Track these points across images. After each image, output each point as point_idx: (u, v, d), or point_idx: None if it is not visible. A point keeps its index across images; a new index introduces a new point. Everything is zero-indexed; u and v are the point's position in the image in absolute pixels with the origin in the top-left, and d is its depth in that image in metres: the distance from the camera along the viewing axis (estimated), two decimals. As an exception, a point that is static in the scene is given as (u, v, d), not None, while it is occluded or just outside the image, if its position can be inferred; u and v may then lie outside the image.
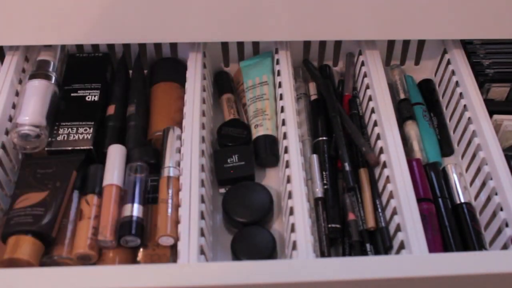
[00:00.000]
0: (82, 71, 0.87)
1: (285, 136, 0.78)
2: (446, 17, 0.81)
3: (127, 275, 0.59)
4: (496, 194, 0.73)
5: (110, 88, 0.86)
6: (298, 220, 0.68)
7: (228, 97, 0.90)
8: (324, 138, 0.83)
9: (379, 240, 0.73)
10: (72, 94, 0.83)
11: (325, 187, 0.77)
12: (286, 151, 0.76)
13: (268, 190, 0.77)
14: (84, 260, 0.69)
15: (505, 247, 0.69)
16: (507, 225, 0.69)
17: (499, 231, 0.71)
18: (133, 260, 0.70)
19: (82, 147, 0.77)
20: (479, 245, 0.72)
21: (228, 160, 0.80)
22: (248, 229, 0.73)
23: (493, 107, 0.83)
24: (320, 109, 0.86)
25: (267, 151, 0.82)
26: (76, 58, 0.89)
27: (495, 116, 0.82)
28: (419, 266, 0.59)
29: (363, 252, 0.73)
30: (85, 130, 0.78)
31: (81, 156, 0.76)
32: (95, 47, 0.91)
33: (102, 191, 0.72)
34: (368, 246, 0.73)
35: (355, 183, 0.77)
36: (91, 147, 0.77)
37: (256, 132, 0.84)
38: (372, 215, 0.75)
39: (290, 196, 0.71)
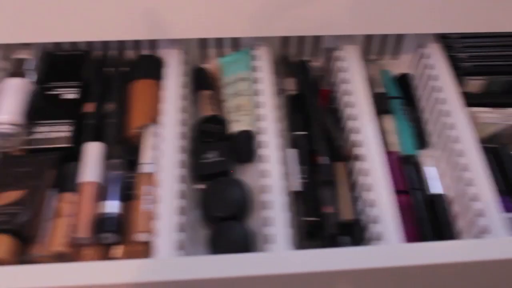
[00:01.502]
0: (60, 69, 0.87)
1: (263, 131, 0.78)
2: (423, 11, 0.82)
3: (104, 271, 0.59)
4: (471, 185, 0.73)
5: (89, 85, 0.86)
6: (276, 214, 0.68)
7: (206, 93, 0.90)
8: (302, 132, 0.83)
9: (356, 232, 0.73)
10: (50, 92, 0.83)
11: (303, 181, 0.78)
12: (264, 146, 0.77)
13: (246, 185, 0.77)
14: (61, 258, 0.68)
15: (479, 236, 0.70)
16: (481, 215, 0.70)
17: (473, 221, 0.72)
18: (110, 257, 0.70)
19: (60, 145, 0.77)
20: (455, 235, 0.73)
21: (206, 156, 0.80)
22: (225, 224, 0.73)
23: (469, 100, 0.83)
24: (298, 104, 0.87)
25: (245, 147, 0.82)
26: (54, 56, 0.89)
27: (471, 109, 0.83)
28: (395, 256, 0.60)
29: (341, 244, 0.73)
30: (63, 128, 0.78)
31: (59, 154, 0.76)
32: (74, 44, 0.91)
33: (80, 189, 0.72)
34: (345, 238, 0.73)
35: (332, 176, 0.78)
36: (69, 145, 0.77)
37: (235, 128, 0.84)
38: (349, 208, 0.75)
39: (268, 190, 0.72)
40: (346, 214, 0.75)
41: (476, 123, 0.82)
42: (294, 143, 0.83)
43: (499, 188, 0.76)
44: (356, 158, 0.78)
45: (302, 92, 0.87)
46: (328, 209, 0.75)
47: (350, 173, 0.79)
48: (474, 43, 0.91)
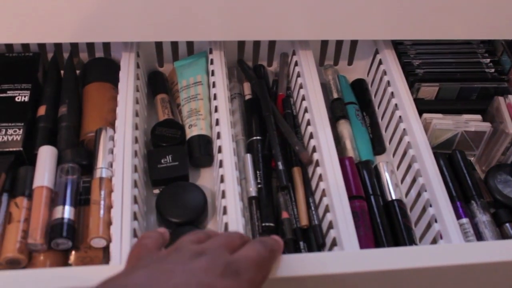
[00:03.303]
0: (12, 71, 0.85)
1: (218, 136, 0.78)
2: (377, 18, 0.83)
3: (58, 278, 0.57)
4: (426, 190, 0.74)
5: (41, 88, 0.85)
6: (231, 220, 0.68)
7: (162, 97, 0.89)
8: (258, 137, 0.83)
9: (312, 238, 0.73)
10: (0, 95, 0.81)
11: (259, 186, 0.78)
12: (220, 150, 0.76)
13: (202, 190, 0.77)
14: (13, 264, 0.67)
15: (434, 241, 0.71)
16: (436, 221, 0.71)
17: (428, 226, 0.73)
18: (64, 263, 0.68)
19: (11, 149, 0.75)
20: (410, 241, 0.74)
21: (162, 161, 0.79)
22: (182, 229, 0.73)
23: (423, 106, 0.85)
24: (254, 108, 0.87)
25: (201, 151, 0.82)
26: (5, 58, 0.87)
27: (425, 115, 0.84)
28: (350, 262, 0.60)
29: (297, 250, 0.73)
30: (15, 131, 0.77)
31: (10, 158, 0.75)
32: (25, 46, 0.89)
33: (32, 194, 0.71)
34: (301, 244, 0.74)
35: (288, 181, 0.78)
36: (21, 149, 0.75)
37: (190, 132, 0.83)
38: (305, 213, 0.75)
39: (223, 195, 0.71)
40: (303, 220, 0.75)
41: (430, 129, 0.83)
42: (250, 148, 0.83)
43: (453, 193, 0.78)
44: (312, 163, 0.78)
45: (260, 96, 0.87)
46: (285, 215, 0.75)
47: (306, 178, 0.79)
48: (426, 50, 0.92)
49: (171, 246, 0.52)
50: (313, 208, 0.76)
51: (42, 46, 0.90)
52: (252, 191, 0.77)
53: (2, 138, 0.76)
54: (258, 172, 0.79)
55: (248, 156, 0.80)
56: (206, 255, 0.49)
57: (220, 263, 0.48)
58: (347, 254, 0.64)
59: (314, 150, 0.78)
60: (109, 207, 0.69)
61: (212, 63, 0.88)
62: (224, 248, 0.51)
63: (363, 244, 0.70)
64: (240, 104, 0.89)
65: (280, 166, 0.78)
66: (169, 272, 0.47)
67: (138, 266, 0.49)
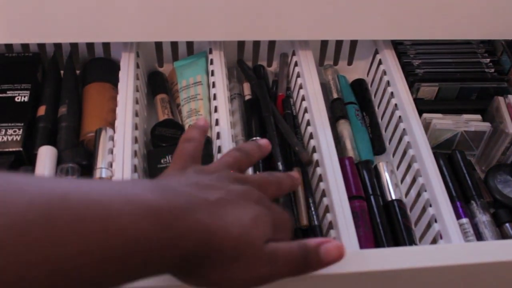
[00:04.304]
0: (12, 71, 0.85)
1: (218, 136, 0.78)
2: (377, 18, 0.83)
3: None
4: (425, 190, 0.74)
5: (41, 88, 0.85)
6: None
7: (162, 97, 0.89)
8: (258, 138, 0.83)
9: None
10: (0, 95, 0.81)
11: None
12: (219, 151, 0.76)
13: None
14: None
15: (434, 241, 0.71)
16: (435, 221, 0.71)
17: (428, 226, 0.73)
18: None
19: (11, 149, 0.75)
20: (410, 241, 0.74)
21: (162, 161, 0.79)
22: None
23: (423, 106, 0.85)
24: (254, 109, 0.87)
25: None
26: (5, 58, 0.87)
27: (425, 115, 0.84)
28: (350, 262, 0.60)
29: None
30: (14, 131, 0.77)
31: (10, 158, 0.75)
32: (25, 46, 0.89)
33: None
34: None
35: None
36: (21, 149, 0.75)
37: (190, 133, 0.83)
38: (305, 213, 0.75)
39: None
40: (303, 220, 0.75)
41: (429, 129, 0.83)
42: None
43: (452, 193, 0.78)
44: (312, 163, 0.78)
45: (260, 97, 0.86)
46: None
47: (306, 178, 0.79)
48: (426, 50, 0.92)
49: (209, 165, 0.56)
50: (313, 209, 0.75)
51: (42, 46, 0.89)
52: (252, 191, 0.77)
53: (2, 138, 0.76)
54: (257, 172, 0.79)
55: (248, 156, 0.80)
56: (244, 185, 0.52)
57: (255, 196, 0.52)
58: (347, 254, 0.64)
59: (314, 150, 0.78)
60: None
61: (212, 63, 0.88)
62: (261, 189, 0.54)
63: (363, 244, 0.70)
64: (240, 105, 0.88)
65: (280, 166, 0.78)
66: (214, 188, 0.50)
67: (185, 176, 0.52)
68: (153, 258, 0.43)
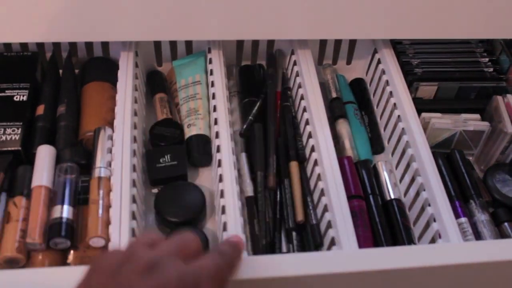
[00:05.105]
0: (10, 70, 0.85)
1: (217, 135, 0.78)
2: (376, 18, 0.83)
3: (57, 277, 0.57)
4: (424, 190, 0.74)
5: (40, 87, 0.85)
6: (230, 219, 0.68)
7: (161, 96, 0.89)
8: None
9: (310, 237, 0.73)
10: (1, 94, 0.81)
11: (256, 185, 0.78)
12: (218, 150, 0.76)
13: (201, 190, 0.77)
14: (12, 264, 0.67)
15: (433, 241, 0.71)
16: (434, 220, 0.71)
17: (427, 226, 0.73)
18: (63, 263, 0.68)
19: (9, 148, 0.75)
20: (408, 240, 0.74)
21: (161, 160, 0.79)
22: (181, 229, 0.73)
23: (422, 106, 0.85)
24: (253, 107, 0.87)
25: (200, 151, 0.82)
26: (3, 57, 0.87)
27: (423, 114, 0.84)
28: (349, 261, 0.60)
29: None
30: (13, 130, 0.77)
31: (9, 157, 0.74)
32: (24, 46, 0.89)
33: (30, 193, 0.71)
34: (294, 235, 0.74)
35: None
36: (19, 148, 0.75)
37: (189, 132, 0.83)
38: (301, 208, 0.75)
39: (222, 195, 0.71)
40: (299, 215, 0.75)
41: (428, 129, 0.83)
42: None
43: (451, 193, 0.78)
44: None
45: (269, 99, 0.87)
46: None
47: (305, 177, 0.79)
48: (425, 49, 0.92)
49: (124, 251, 0.50)
50: (311, 208, 0.76)
51: (40, 45, 0.89)
52: (248, 190, 0.77)
53: (1, 137, 0.76)
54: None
55: (244, 155, 0.80)
56: (159, 269, 0.47)
57: (174, 277, 0.47)
58: (346, 254, 0.64)
59: (312, 149, 0.78)
60: (107, 207, 0.69)
61: (210, 62, 0.88)
62: (178, 255, 0.49)
63: (362, 244, 0.70)
64: (238, 103, 0.88)
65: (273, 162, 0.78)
66: None
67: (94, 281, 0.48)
68: None
